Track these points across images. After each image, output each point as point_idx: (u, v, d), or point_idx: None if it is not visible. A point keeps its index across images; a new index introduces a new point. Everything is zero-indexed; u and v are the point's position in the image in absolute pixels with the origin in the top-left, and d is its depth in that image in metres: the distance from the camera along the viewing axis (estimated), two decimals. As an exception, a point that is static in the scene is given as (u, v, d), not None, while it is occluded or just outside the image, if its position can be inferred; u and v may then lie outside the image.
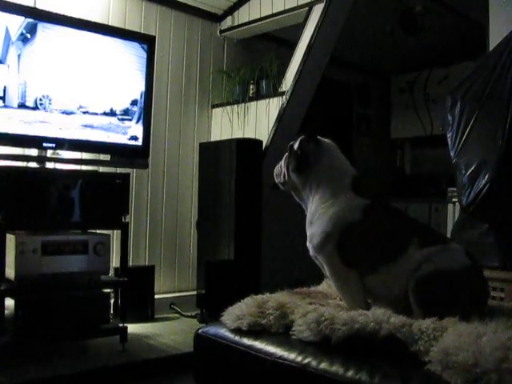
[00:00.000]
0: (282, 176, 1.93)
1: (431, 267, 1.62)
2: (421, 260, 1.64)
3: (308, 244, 1.83)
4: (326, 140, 1.91)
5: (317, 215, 1.80)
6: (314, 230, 1.79)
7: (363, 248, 1.74)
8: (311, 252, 1.83)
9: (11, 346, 2.79)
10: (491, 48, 3.25)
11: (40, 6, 3.60)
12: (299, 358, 1.57)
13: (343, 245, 1.73)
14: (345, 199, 1.77)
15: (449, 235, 3.37)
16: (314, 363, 1.53)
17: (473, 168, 2.94)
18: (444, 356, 1.33)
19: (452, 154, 3.09)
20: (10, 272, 2.80)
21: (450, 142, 3.12)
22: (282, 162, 1.94)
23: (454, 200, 3.65)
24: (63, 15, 3.26)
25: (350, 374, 1.44)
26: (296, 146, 1.87)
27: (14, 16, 2.99)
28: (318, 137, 1.88)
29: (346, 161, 1.88)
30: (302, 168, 1.85)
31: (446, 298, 1.61)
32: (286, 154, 1.93)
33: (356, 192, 1.79)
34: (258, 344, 1.71)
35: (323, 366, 1.51)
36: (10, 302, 2.80)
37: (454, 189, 3.32)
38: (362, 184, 1.84)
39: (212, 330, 1.90)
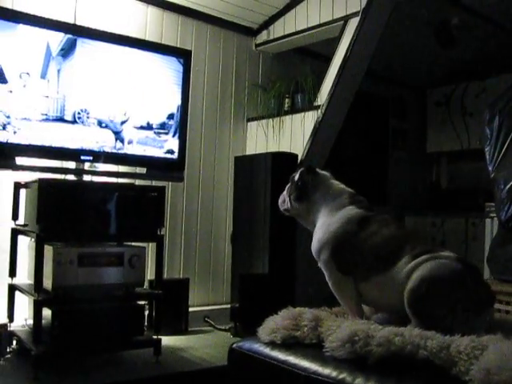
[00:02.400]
0: (285, 204, 2.15)
1: (419, 275, 1.69)
2: (410, 270, 1.72)
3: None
4: (323, 171, 2.14)
5: (319, 226, 2.00)
6: (314, 238, 2.00)
7: (356, 257, 1.87)
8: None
9: (48, 355, 2.82)
10: (531, 60, 3.19)
11: (79, 21, 3.67)
12: (334, 374, 1.56)
13: (337, 252, 1.89)
14: (343, 212, 1.96)
15: (487, 251, 3.31)
16: (348, 379, 1.51)
17: (512, 183, 2.88)
18: (486, 375, 1.30)
19: (490, 168, 3.05)
20: (47, 283, 2.84)
21: (488, 156, 3.08)
22: (285, 192, 2.16)
23: (492, 215, 3.58)
24: (101, 31, 3.33)
25: (385, 390, 1.42)
26: (296, 177, 2.11)
27: (55, 32, 3.06)
28: (316, 169, 2.12)
29: (341, 184, 2.10)
30: (302, 197, 2.08)
31: (438, 304, 1.65)
32: (289, 184, 2.15)
33: (355, 205, 1.98)
34: (293, 359, 1.70)
35: (358, 382, 1.49)
36: (47, 312, 2.84)
37: (492, 204, 3.27)
38: (359, 199, 2.03)
39: (246, 344, 1.90)
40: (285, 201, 2.15)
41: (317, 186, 2.06)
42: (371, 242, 1.86)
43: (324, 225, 1.97)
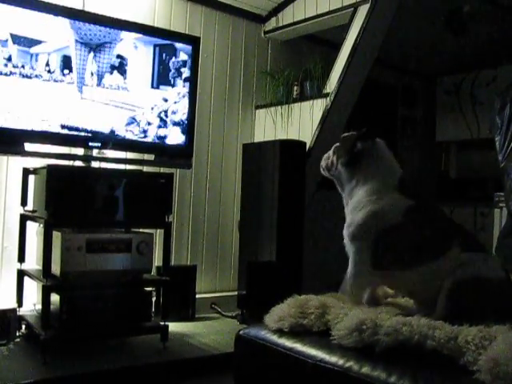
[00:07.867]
0: (331, 166, 1.99)
1: (470, 272, 1.64)
2: (460, 263, 1.66)
3: (344, 230, 1.89)
4: (380, 140, 1.97)
5: (361, 206, 1.84)
6: (355, 218, 1.85)
7: (399, 248, 1.77)
8: (345, 237, 1.89)
9: (56, 340, 2.85)
10: (543, 49, 3.16)
11: (88, 7, 3.66)
12: (340, 362, 1.55)
13: (378, 243, 1.78)
14: (389, 199, 1.82)
15: (495, 241, 3.29)
16: (355, 367, 1.51)
17: (522, 172, 2.86)
18: (494, 365, 1.30)
19: (500, 157, 3.02)
20: (55, 268, 2.85)
21: (498, 146, 3.05)
22: (331, 152, 2.00)
23: (501, 205, 3.56)
24: (111, 17, 3.33)
25: (392, 379, 1.42)
26: (351, 141, 1.92)
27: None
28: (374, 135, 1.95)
29: (395, 161, 1.94)
30: (353, 163, 1.91)
31: (476, 306, 1.61)
32: (337, 144, 1.99)
33: (401, 192, 1.84)
34: (299, 346, 1.70)
35: (365, 370, 1.49)
36: (55, 298, 2.86)
37: (502, 193, 3.24)
38: (407, 185, 1.88)
39: (253, 331, 1.90)
40: (331, 161, 1.98)
41: (371, 154, 1.91)
42: (417, 234, 1.77)
43: (366, 207, 1.83)
